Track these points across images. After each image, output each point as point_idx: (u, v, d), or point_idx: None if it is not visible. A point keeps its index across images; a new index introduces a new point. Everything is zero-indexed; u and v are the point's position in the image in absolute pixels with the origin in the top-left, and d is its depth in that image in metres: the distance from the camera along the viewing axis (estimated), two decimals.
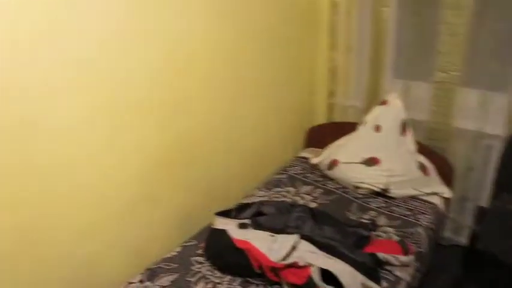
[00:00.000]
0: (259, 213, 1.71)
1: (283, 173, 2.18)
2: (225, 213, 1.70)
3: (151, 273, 1.50)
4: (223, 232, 1.59)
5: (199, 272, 1.51)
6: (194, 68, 1.63)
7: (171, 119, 1.60)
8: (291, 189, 2.03)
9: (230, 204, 1.79)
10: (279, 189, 2.04)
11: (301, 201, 1.91)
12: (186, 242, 1.67)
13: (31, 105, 1.15)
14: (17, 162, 1.16)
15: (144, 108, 1.48)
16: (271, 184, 2.08)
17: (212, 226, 1.66)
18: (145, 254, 1.61)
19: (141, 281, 1.47)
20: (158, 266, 1.54)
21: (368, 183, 1.94)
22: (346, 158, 2.04)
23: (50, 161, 1.23)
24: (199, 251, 1.61)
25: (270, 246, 1.50)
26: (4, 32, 1.05)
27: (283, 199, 1.94)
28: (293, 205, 1.76)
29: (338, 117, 2.48)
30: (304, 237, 1.53)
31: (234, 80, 1.85)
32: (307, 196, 1.96)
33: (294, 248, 1.48)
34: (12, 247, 1.21)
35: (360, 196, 1.95)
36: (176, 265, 1.54)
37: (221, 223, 1.65)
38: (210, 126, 1.79)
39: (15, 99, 1.11)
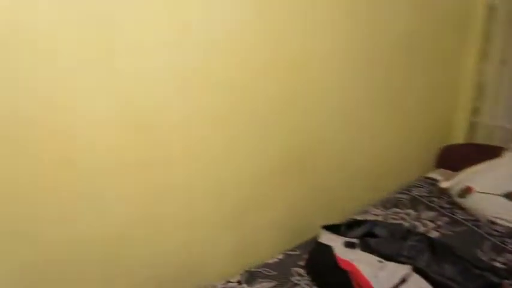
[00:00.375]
0: (370, 234, 1.57)
1: (405, 193, 1.99)
2: (332, 228, 1.61)
3: (250, 276, 1.50)
4: (327, 248, 1.50)
5: (298, 284, 1.46)
6: (317, 75, 1.57)
7: (289, 128, 1.57)
8: (412, 212, 1.84)
9: (340, 218, 1.69)
10: (398, 210, 1.86)
11: (421, 228, 1.71)
12: (289, 251, 1.63)
13: (148, 106, 1.22)
14: (141, 157, 1.25)
15: (263, 117, 1.47)
16: (389, 203, 1.91)
17: (317, 239, 1.58)
18: (248, 255, 1.61)
19: (239, 282, 1.47)
20: (258, 269, 1.53)
21: (508, 221, 1.65)
22: (483, 187, 1.77)
23: (169, 158, 1.30)
24: (301, 263, 1.56)
25: (376, 273, 1.36)
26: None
27: (400, 222, 1.76)
28: (410, 231, 1.58)
29: (480, 139, 2.17)
30: (417, 270, 1.36)
31: (362, 87, 1.73)
32: (429, 223, 1.75)
33: (403, 280, 1.33)
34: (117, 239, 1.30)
35: (496, 234, 1.67)
36: (276, 272, 1.51)
37: (327, 238, 1.57)
38: (326, 136, 1.71)
39: (133, 103, 1.19)
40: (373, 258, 1.45)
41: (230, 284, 1.47)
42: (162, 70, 1.20)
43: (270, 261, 1.57)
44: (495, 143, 2.06)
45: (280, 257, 1.60)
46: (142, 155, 1.24)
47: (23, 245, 1.12)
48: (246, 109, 1.42)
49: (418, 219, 1.79)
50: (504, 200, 1.68)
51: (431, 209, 1.86)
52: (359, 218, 1.75)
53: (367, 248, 1.50)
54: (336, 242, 1.53)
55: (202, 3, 1.20)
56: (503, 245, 1.60)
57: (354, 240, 1.55)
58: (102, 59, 1.08)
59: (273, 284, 1.46)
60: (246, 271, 1.52)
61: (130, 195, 1.26)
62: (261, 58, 1.39)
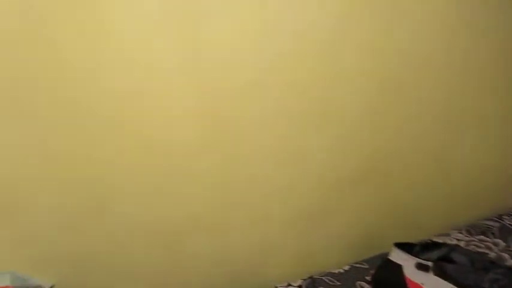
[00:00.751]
0: (447, 259, 1.46)
1: (495, 220, 1.80)
2: (406, 247, 1.51)
3: (312, 283, 1.47)
4: (397, 267, 1.42)
5: None
6: (407, 81, 1.48)
7: (365, 136, 1.51)
8: (500, 242, 1.66)
9: (415, 237, 1.59)
10: (485, 238, 1.69)
11: (508, 261, 1.54)
12: (356, 263, 1.58)
13: (231, 104, 1.25)
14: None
15: (338, 123, 1.44)
16: (476, 229, 1.75)
17: (388, 256, 1.51)
18: (311, 262, 1.59)
19: (299, 287, 1.46)
20: (321, 277, 1.50)
21: None
22: None
23: (247, 153, 1.33)
24: (368, 277, 1.49)
25: None
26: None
27: (484, 251, 1.60)
28: (494, 263, 1.43)
29: None
30: None
31: (460, 93, 1.59)
32: None
33: None
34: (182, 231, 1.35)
35: None
36: (339, 283, 1.47)
37: (398, 256, 1.48)
38: (407, 146, 1.61)
39: (216, 101, 1.23)
40: (447, 286, 1.34)
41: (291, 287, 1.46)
42: (245, 67, 1.22)
43: (335, 270, 1.53)
44: None
45: (346, 268, 1.55)
46: (221, 150, 1.28)
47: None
48: (324, 111, 1.40)
49: (507, 250, 1.61)
50: None
51: None
52: (437, 240, 1.63)
53: (441, 274, 1.39)
54: (407, 262, 1.44)
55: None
56: None
57: (428, 263, 1.45)
58: (189, 57, 1.13)
59: None
60: (309, 277, 1.50)
61: (205, 189, 1.31)
62: (346, 62, 1.36)
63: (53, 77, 1.03)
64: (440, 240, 1.63)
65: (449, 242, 1.62)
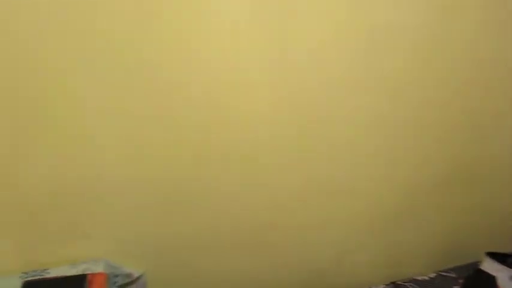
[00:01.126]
0: None
1: None
2: (499, 257, 1.42)
3: None
4: (490, 278, 1.34)
5: None
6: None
7: (458, 136, 1.43)
8: None
9: (510, 247, 1.48)
10: None
11: None
12: (443, 271, 1.51)
13: (317, 101, 1.24)
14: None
15: (420, 124, 1.38)
16: None
17: (479, 266, 1.42)
18: (393, 266, 1.54)
19: None
20: (405, 283, 1.46)
21: None
22: None
23: (332, 152, 1.32)
24: (456, 287, 1.42)
25: None
26: None
27: None
28: None
29: None
30: None
31: None
32: None
33: None
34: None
35: None
36: None
37: (491, 267, 1.39)
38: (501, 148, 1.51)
39: (302, 98, 1.23)
40: None
41: None
42: (332, 67, 1.21)
43: (419, 277, 1.48)
44: None
45: (432, 275, 1.49)
46: (307, 148, 1.28)
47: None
48: (413, 112, 1.35)
49: None
50: None
51: None
52: None
53: None
54: (501, 273, 1.35)
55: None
56: None
57: None
58: (275, 56, 1.14)
59: None
60: (392, 283, 1.47)
61: (290, 187, 1.32)
62: (443, 61, 1.30)
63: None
64: None
65: None
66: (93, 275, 1.08)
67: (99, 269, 1.13)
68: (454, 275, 1.48)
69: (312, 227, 1.41)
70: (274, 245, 1.38)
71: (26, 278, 1.10)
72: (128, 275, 1.24)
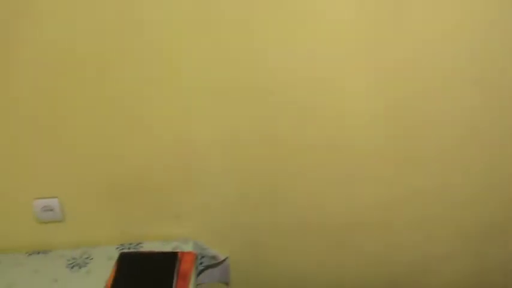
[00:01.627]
0: None
1: None
2: None
3: None
4: None
5: None
6: None
7: None
8: None
9: None
10: None
11: None
12: None
13: (412, 105, 1.17)
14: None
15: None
16: None
17: None
18: (484, 282, 1.42)
19: None
20: None
21: None
22: None
23: (424, 156, 1.25)
24: None
25: None
26: None
27: None
28: None
29: None
30: None
31: None
32: None
33: None
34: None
35: None
36: None
37: None
38: None
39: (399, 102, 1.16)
40: None
41: None
42: (428, 68, 1.14)
43: None
44: None
45: None
46: (403, 152, 1.23)
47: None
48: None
49: None
50: None
51: None
52: None
53: None
54: None
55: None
56: None
57: None
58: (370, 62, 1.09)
59: None
60: None
61: (377, 187, 1.27)
62: None
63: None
64: None
65: None
66: (183, 253, 1.12)
67: (188, 248, 1.18)
68: None
69: (399, 229, 1.35)
70: (360, 243, 1.34)
71: (122, 249, 1.18)
72: (214, 257, 1.27)
